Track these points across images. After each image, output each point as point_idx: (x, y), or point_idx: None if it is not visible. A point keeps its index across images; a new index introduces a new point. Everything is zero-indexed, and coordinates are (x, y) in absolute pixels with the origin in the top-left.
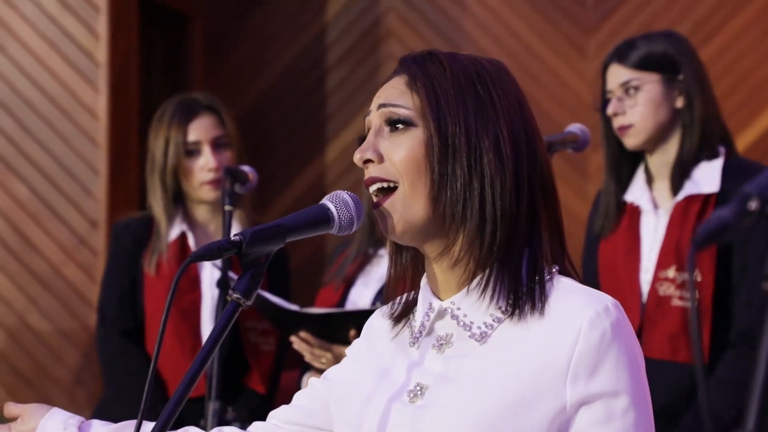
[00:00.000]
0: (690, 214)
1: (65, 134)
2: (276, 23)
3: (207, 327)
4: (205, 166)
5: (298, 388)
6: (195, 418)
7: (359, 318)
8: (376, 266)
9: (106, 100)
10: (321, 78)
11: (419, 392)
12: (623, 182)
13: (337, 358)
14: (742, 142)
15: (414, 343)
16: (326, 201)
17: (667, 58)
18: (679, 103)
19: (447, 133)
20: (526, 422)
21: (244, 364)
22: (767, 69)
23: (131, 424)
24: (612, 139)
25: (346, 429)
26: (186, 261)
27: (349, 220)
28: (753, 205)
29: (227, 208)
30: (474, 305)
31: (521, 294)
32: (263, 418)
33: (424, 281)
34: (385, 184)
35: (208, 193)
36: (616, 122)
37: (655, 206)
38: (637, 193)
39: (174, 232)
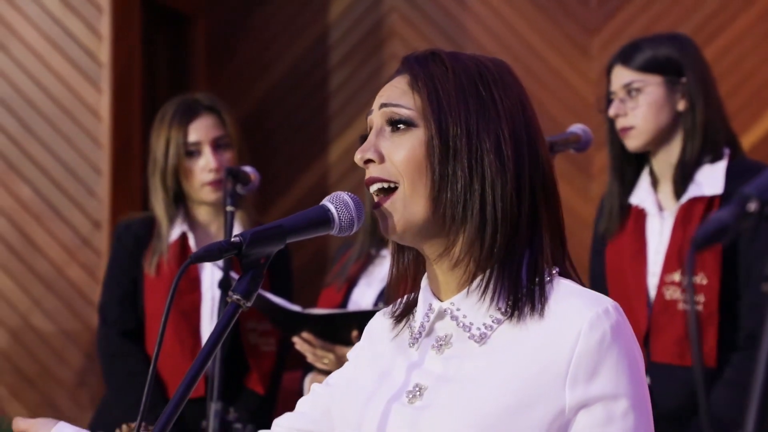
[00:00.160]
0: (694, 217)
1: (68, 135)
2: (278, 23)
3: (207, 328)
4: (205, 166)
5: (301, 388)
6: (196, 419)
7: (361, 319)
8: (379, 267)
9: (109, 100)
10: (324, 78)
11: (418, 393)
12: (627, 184)
13: (340, 359)
14: (745, 143)
15: (413, 344)
16: (326, 202)
17: (671, 61)
18: (681, 105)
19: (448, 133)
20: (524, 424)
21: (244, 365)
22: None
23: None
24: (616, 140)
25: (347, 430)
26: (186, 262)
27: (350, 221)
28: (752, 206)
29: (229, 208)
30: (474, 306)
31: (521, 295)
32: (263, 419)
33: (424, 282)
34: (385, 185)
35: (209, 195)
36: (618, 124)
37: (660, 208)
38: (642, 195)
39: (175, 233)
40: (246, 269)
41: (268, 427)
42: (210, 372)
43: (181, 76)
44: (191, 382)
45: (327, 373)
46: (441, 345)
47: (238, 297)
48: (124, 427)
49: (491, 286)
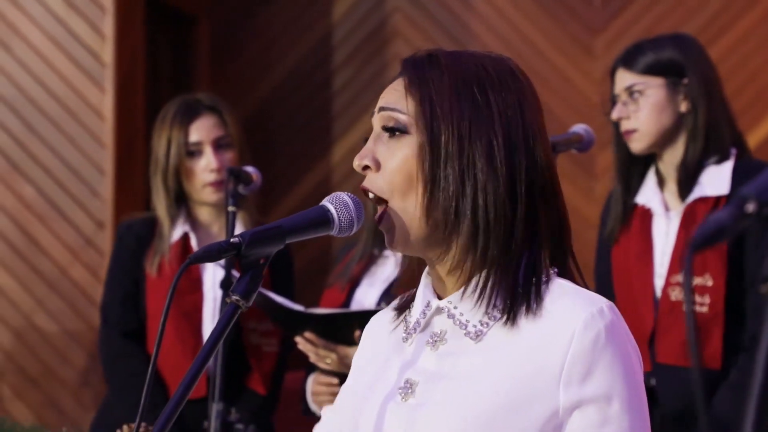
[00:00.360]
0: (700, 217)
1: (71, 135)
2: (282, 23)
3: (209, 328)
4: (206, 166)
5: (303, 389)
6: (198, 420)
7: (364, 318)
8: (382, 267)
9: (113, 100)
10: (327, 78)
11: (409, 390)
12: (633, 185)
13: (342, 359)
14: (749, 143)
15: (407, 339)
16: (326, 202)
17: (673, 63)
18: (684, 107)
19: (440, 139)
20: (518, 423)
21: (246, 365)
22: None
23: None
24: (621, 143)
25: (345, 429)
26: (185, 263)
27: (349, 221)
28: (750, 207)
29: (230, 209)
30: (471, 306)
31: (517, 296)
32: (264, 419)
33: (426, 279)
34: (375, 197)
35: (211, 195)
36: (621, 127)
37: (667, 208)
38: (648, 195)
39: (177, 233)
40: (245, 270)
41: (270, 427)
42: (211, 372)
43: (185, 76)
44: (190, 382)
45: (329, 373)
46: (436, 341)
47: (237, 297)
48: (125, 427)
49: (488, 287)
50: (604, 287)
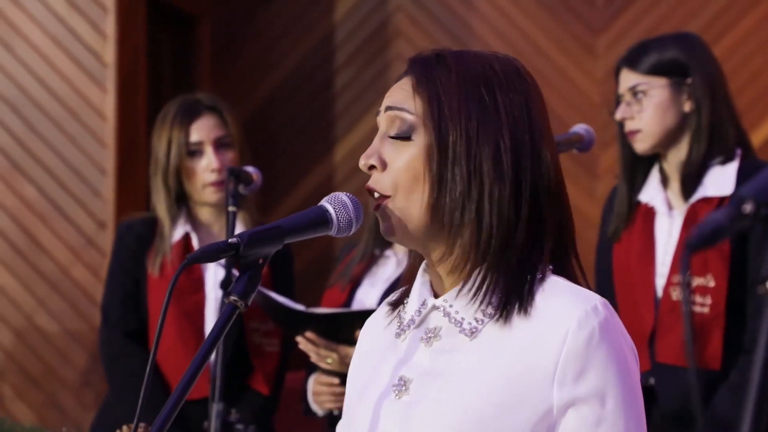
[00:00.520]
0: (703, 218)
1: (73, 135)
2: (284, 23)
3: (210, 328)
4: (207, 166)
5: (304, 389)
6: (198, 420)
7: (365, 318)
8: (383, 267)
9: (114, 100)
10: (329, 78)
11: (403, 387)
12: (637, 185)
13: (343, 359)
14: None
15: (400, 335)
16: (325, 203)
17: (676, 63)
18: (688, 107)
19: (448, 140)
20: (512, 421)
21: (248, 365)
22: None
23: None
24: (626, 143)
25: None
26: (182, 264)
27: (348, 221)
28: (748, 207)
29: (231, 209)
30: (466, 304)
31: (512, 294)
32: (266, 420)
33: (423, 277)
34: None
35: (211, 195)
36: (626, 127)
37: (670, 207)
38: (651, 193)
39: (178, 233)
40: (244, 270)
41: (271, 427)
42: (212, 373)
43: (186, 76)
44: (188, 382)
45: (330, 373)
46: (430, 337)
47: (236, 298)
48: (125, 427)
49: (485, 285)
50: (604, 285)
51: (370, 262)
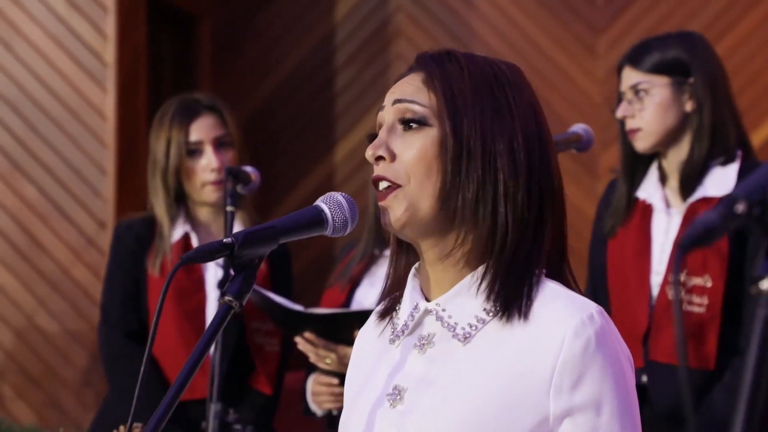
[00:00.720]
0: None
1: (73, 135)
2: (284, 23)
3: None
4: (207, 166)
5: (304, 389)
6: (197, 420)
7: (364, 318)
8: (382, 267)
9: (114, 100)
10: (329, 78)
11: (398, 396)
12: (637, 183)
13: (342, 359)
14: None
15: (394, 341)
16: (320, 202)
17: (678, 62)
18: (689, 106)
19: (462, 133)
20: (508, 429)
21: (249, 366)
22: None
23: None
24: (627, 140)
25: None
26: (177, 264)
27: (343, 221)
28: (740, 208)
29: (229, 208)
30: (460, 306)
31: (509, 297)
32: (268, 420)
33: (413, 281)
34: (392, 184)
35: (211, 194)
36: (626, 125)
37: (668, 205)
38: (650, 190)
39: (177, 233)
40: (239, 270)
41: (271, 427)
42: (211, 373)
43: (187, 76)
44: (183, 383)
45: (329, 373)
46: (423, 344)
47: (230, 298)
48: (122, 428)
49: (483, 286)
50: (597, 281)
51: (369, 261)
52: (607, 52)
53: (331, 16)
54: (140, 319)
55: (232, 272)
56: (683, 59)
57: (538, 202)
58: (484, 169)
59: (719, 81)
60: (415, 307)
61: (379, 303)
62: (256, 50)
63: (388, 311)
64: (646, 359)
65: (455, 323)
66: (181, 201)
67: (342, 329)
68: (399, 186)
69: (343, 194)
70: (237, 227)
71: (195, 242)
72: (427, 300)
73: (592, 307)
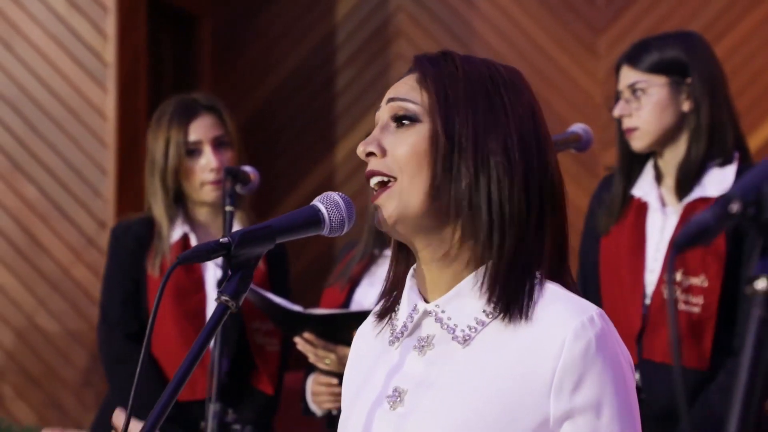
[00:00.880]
0: None
1: (73, 135)
2: (284, 23)
3: None
4: (206, 166)
5: (303, 389)
6: (196, 420)
7: (363, 319)
8: (382, 267)
9: (115, 100)
10: (330, 78)
11: (398, 398)
12: (633, 182)
13: (341, 359)
14: (751, 145)
15: (393, 343)
16: (317, 202)
17: (676, 62)
18: (686, 106)
19: (453, 130)
20: (508, 431)
21: (250, 366)
22: None
23: None
24: (625, 139)
25: None
26: (173, 264)
27: (340, 221)
28: (734, 207)
29: (228, 208)
30: (460, 308)
31: (510, 298)
32: (269, 420)
33: (411, 281)
34: (384, 178)
35: (209, 194)
36: (623, 124)
37: (663, 204)
38: (645, 188)
39: (176, 234)
40: (235, 270)
41: (272, 427)
42: (211, 373)
43: (187, 76)
44: (179, 383)
45: (329, 373)
46: (423, 346)
47: (227, 298)
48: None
49: (482, 287)
50: (589, 277)
51: (369, 261)
52: (608, 52)
53: (332, 16)
54: (140, 320)
55: (229, 272)
56: (681, 59)
57: (538, 203)
58: (476, 166)
59: (717, 82)
60: (414, 309)
61: (378, 297)
62: (256, 50)
63: (386, 311)
64: (640, 358)
65: (455, 325)
66: (179, 201)
67: (341, 329)
68: (392, 179)
69: (341, 194)
70: (236, 227)
71: (194, 242)
72: (426, 300)
73: (592, 309)
